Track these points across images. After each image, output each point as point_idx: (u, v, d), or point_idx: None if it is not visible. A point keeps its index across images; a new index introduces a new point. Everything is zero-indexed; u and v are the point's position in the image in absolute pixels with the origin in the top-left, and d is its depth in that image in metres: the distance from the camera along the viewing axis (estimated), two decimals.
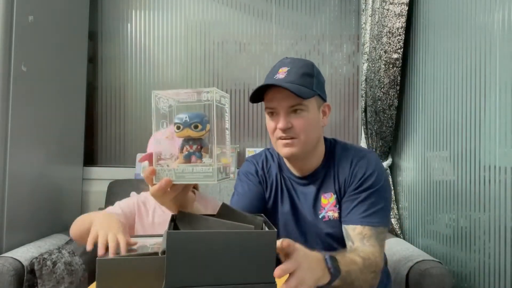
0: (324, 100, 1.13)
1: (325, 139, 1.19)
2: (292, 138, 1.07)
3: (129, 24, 2.43)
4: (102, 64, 2.42)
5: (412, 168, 1.83)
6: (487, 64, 1.25)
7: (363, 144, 2.19)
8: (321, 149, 1.16)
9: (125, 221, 1.17)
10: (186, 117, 0.68)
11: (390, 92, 1.82)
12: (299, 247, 0.72)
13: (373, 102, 1.92)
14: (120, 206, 1.26)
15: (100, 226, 0.92)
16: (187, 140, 0.69)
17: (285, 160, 1.19)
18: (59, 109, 1.86)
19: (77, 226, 1.11)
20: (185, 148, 0.69)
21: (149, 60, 2.42)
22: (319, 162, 1.16)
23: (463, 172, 1.38)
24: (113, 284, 0.73)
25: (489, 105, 1.24)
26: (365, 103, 2.06)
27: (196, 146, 0.69)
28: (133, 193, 1.34)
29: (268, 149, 1.28)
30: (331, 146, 1.18)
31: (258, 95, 1.08)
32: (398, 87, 1.82)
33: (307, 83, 1.06)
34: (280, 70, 1.08)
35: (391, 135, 1.93)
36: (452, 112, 1.46)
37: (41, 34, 1.69)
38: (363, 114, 2.09)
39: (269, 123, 1.11)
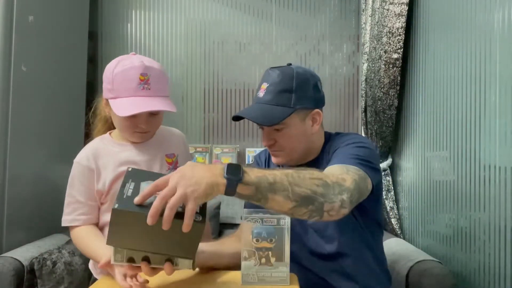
0: (312, 108, 1.11)
1: (328, 134, 1.21)
2: (277, 151, 1.13)
3: (129, 24, 2.43)
4: (102, 64, 2.42)
5: (412, 168, 1.83)
6: (487, 64, 1.25)
7: None
8: (317, 146, 1.18)
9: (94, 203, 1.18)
10: (264, 233, 0.92)
11: (390, 92, 1.82)
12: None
13: (373, 102, 1.92)
14: (77, 199, 1.19)
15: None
16: (261, 248, 0.93)
17: None
18: (59, 109, 1.86)
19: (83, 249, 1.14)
20: (259, 254, 0.93)
21: None
22: (316, 154, 1.18)
23: (463, 172, 1.38)
24: (122, 232, 0.83)
25: (489, 105, 1.24)
26: (365, 103, 2.06)
27: (267, 253, 0.93)
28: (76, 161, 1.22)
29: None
30: (330, 137, 1.20)
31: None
32: (398, 87, 1.82)
33: (284, 101, 1.07)
34: (262, 86, 1.11)
35: (391, 135, 1.93)
36: (452, 112, 1.46)
37: (41, 34, 1.69)
38: (363, 114, 2.09)
39: None
